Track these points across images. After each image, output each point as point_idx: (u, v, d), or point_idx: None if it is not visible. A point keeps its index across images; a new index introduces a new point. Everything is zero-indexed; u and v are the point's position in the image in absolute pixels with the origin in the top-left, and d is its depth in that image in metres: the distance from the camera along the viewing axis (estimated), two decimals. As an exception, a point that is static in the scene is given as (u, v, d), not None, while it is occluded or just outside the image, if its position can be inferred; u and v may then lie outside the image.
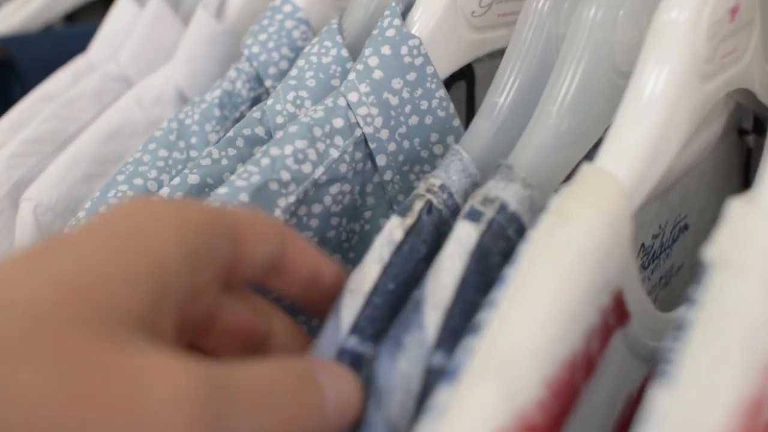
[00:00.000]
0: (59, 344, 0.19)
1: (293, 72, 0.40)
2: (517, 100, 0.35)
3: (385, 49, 0.37)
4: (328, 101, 0.36)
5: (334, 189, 0.35)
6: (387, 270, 0.29)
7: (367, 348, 0.27)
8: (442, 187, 0.31)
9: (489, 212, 0.28)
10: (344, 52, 0.40)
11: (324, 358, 0.27)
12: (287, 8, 0.46)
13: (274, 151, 0.33)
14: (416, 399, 0.25)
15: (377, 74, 0.36)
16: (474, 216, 0.28)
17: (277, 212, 0.32)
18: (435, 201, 0.31)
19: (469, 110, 0.48)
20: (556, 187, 0.32)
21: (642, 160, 0.29)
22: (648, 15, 0.31)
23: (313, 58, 0.40)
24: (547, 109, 0.32)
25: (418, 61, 0.37)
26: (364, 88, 0.36)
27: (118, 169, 0.41)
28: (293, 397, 0.23)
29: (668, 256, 0.42)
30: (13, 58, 0.68)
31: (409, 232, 0.30)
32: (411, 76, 0.37)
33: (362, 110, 0.36)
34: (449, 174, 0.32)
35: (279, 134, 0.35)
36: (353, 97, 0.36)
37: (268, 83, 0.44)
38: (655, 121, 0.29)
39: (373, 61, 0.37)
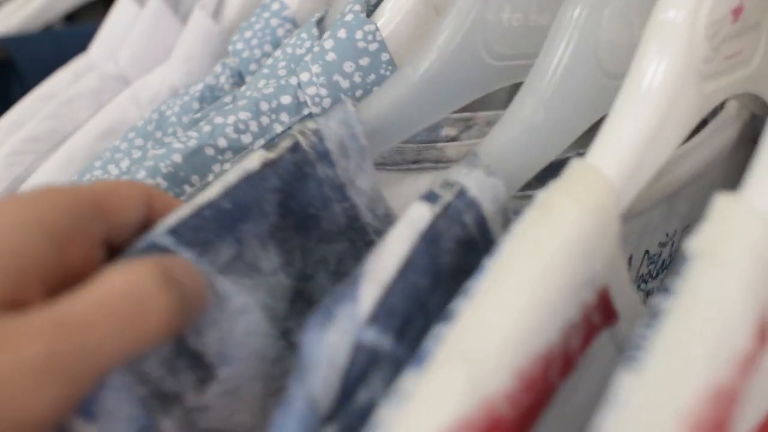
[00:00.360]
0: None
1: (269, 61, 0.41)
2: (429, 75, 0.35)
3: (341, 33, 0.37)
4: (281, 79, 0.37)
5: None
6: (228, 191, 0.28)
7: (182, 252, 0.27)
8: (315, 132, 0.31)
9: (447, 196, 0.28)
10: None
11: (135, 247, 0.27)
12: (275, 6, 0.47)
13: (218, 119, 0.34)
14: (342, 375, 0.24)
15: (330, 56, 0.37)
16: (430, 198, 0.28)
17: (210, 177, 0.33)
18: (303, 142, 0.31)
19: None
20: (526, 179, 0.31)
21: (633, 157, 0.28)
22: (638, 15, 0.30)
23: (288, 49, 0.40)
24: (524, 100, 0.31)
25: (373, 46, 0.37)
26: (316, 68, 0.36)
27: (96, 155, 0.42)
28: (138, 302, 0.24)
29: (680, 257, 0.41)
30: (13, 58, 0.69)
31: (267, 164, 0.29)
32: (364, 61, 0.37)
33: (311, 90, 0.36)
34: (328, 122, 0.32)
35: (228, 106, 0.35)
36: (304, 76, 0.36)
37: (248, 79, 0.45)
38: (649, 119, 0.28)
39: (329, 44, 0.37)
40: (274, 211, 0.30)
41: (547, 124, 0.31)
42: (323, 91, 0.37)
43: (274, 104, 0.36)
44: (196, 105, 0.44)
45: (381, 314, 0.25)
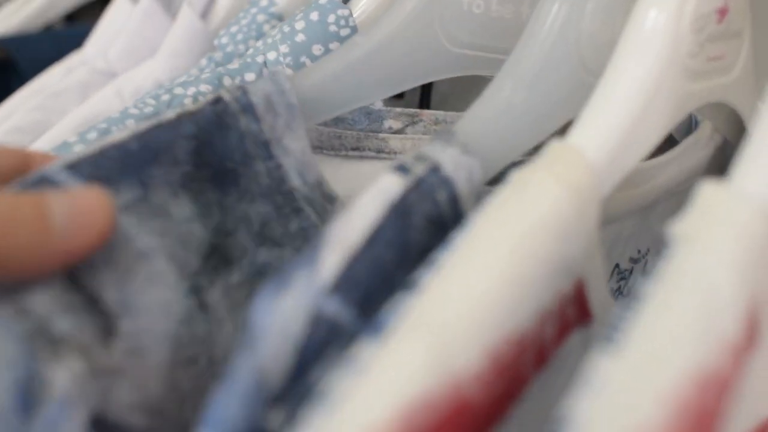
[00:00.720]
0: None
1: (249, 51, 0.39)
2: (377, 48, 0.33)
3: (314, 15, 0.37)
4: (248, 57, 0.36)
5: None
6: (137, 135, 0.27)
7: (71, 181, 0.25)
8: (240, 87, 0.29)
9: (418, 169, 0.25)
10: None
11: (26, 180, 0.25)
12: (263, 2, 0.46)
13: (178, 90, 0.33)
14: (297, 347, 0.21)
15: (300, 37, 0.36)
16: (401, 169, 0.25)
17: None
18: (225, 95, 0.29)
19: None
20: (504, 162, 0.29)
21: (615, 141, 0.26)
22: (620, 13, 0.29)
23: (269, 40, 0.39)
24: (504, 83, 0.30)
25: (345, 32, 0.37)
26: (284, 48, 0.36)
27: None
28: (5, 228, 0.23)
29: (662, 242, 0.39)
30: (14, 58, 0.69)
31: (184, 115, 0.28)
32: (334, 45, 0.36)
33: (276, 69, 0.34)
34: (256, 82, 0.30)
35: (190, 77, 0.33)
36: (272, 55, 0.36)
37: None
38: (633, 103, 0.27)
39: (299, 25, 0.36)
40: (188, 159, 0.28)
41: (527, 107, 0.29)
42: (288, 71, 0.35)
43: (237, 80, 0.35)
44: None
45: (344, 283, 0.22)
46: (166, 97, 0.33)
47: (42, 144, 0.49)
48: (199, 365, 0.27)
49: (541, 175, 0.24)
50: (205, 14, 0.58)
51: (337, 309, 0.22)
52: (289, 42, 0.36)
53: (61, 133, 0.50)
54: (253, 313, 0.21)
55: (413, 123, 0.39)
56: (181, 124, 0.28)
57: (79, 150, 0.29)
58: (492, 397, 0.21)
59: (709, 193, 0.23)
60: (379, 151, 0.39)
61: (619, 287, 0.37)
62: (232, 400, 0.20)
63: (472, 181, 0.27)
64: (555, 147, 0.26)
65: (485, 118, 0.29)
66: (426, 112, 0.39)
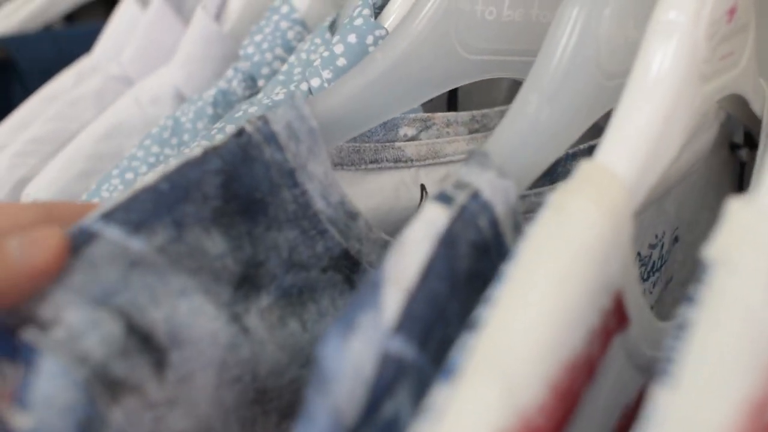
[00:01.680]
0: None
1: (284, 68, 0.40)
2: (396, 63, 0.34)
3: (351, 38, 0.37)
4: (292, 85, 0.36)
5: None
6: (167, 175, 0.28)
7: (108, 230, 0.26)
8: (261, 117, 0.30)
9: (461, 197, 0.27)
10: None
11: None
12: (284, 9, 0.46)
13: (230, 128, 0.32)
14: (368, 386, 0.23)
15: (341, 61, 0.36)
16: (444, 199, 0.27)
17: None
18: (247, 127, 0.30)
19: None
20: (533, 178, 0.30)
21: (643, 156, 0.28)
22: (637, 15, 0.30)
23: (303, 55, 0.39)
24: (529, 97, 0.31)
25: None
26: (326, 74, 0.36)
27: (115, 164, 0.40)
28: None
29: (667, 269, 0.41)
30: (14, 58, 0.69)
31: (209, 152, 0.29)
32: None
33: None
34: (275, 110, 0.31)
35: (239, 113, 0.34)
36: (315, 82, 0.36)
37: (261, 83, 0.45)
38: (657, 116, 0.28)
39: (339, 49, 0.37)
40: (217, 194, 0.28)
41: (552, 122, 0.30)
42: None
43: None
44: (209, 110, 0.43)
45: (406, 322, 0.24)
46: (220, 138, 0.33)
47: (64, 157, 0.50)
48: (243, 382, 0.29)
49: (579, 200, 0.26)
50: (218, 16, 0.57)
51: (401, 347, 0.23)
52: (331, 67, 0.36)
53: (82, 145, 0.50)
54: (321, 357, 0.23)
55: (426, 128, 0.40)
56: (208, 160, 0.28)
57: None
58: (554, 421, 0.23)
59: (737, 213, 0.24)
60: (397, 160, 0.39)
61: (640, 273, 0.38)
62: None
63: (508, 202, 0.28)
64: (587, 168, 0.27)
65: (514, 137, 0.30)
66: (437, 115, 0.40)
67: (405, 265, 0.25)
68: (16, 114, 0.58)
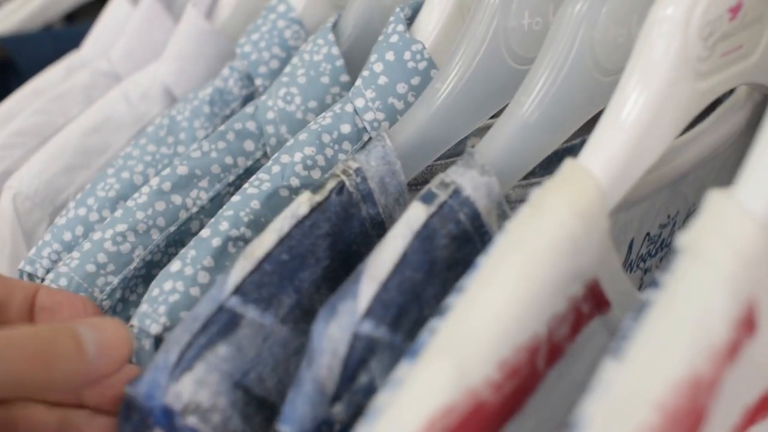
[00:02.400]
0: None
1: (287, 69, 0.42)
2: (458, 88, 0.36)
3: (389, 55, 0.38)
4: (336, 108, 0.37)
5: None
6: (284, 241, 0.31)
7: (248, 310, 0.29)
8: (358, 171, 0.33)
9: (442, 195, 0.30)
10: (335, 50, 0.41)
11: (201, 313, 0.29)
12: (281, 8, 0.47)
13: (284, 158, 0.35)
14: (343, 362, 0.27)
15: (382, 80, 0.38)
16: (427, 198, 0.30)
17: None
18: (348, 183, 0.32)
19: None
20: (521, 175, 0.33)
21: (621, 158, 0.30)
22: (637, 13, 0.31)
23: (306, 56, 0.41)
24: (521, 99, 0.33)
25: (422, 65, 0.38)
26: (369, 93, 0.37)
27: (109, 162, 0.42)
28: (44, 341, 0.28)
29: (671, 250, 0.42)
30: (13, 58, 0.69)
31: (315, 209, 0.32)
32: (415, 81, 0.38)
33: (368, 115, 0.37)
34: (369, 159, 0.33)
35: (290, 142, 0.36)
36: (360, 102, 0.37)
37: (258, 81, 0.46)
38: (639, 120, 0.30)
39: (378, 67, 0.38)
40: (326, 255, 0.32)
41: (541, 123, 0.33)
42: (380, 116, 0.37)
43: (335, 135, 0.37)
44: (206, 109, 0.45)
45: (376, 308, 0.28)
46: (276, 169, 0.35)
47: (50, 149, 0.50)
48: None
49: (554, 200, 0.28)
50: (209, 14, 0.58)
51: (370, 328, 0.28)
52: (373, 86, 0.37)
53: (69, 138, 0.50)
54: (310, 337, 0.28)
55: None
56: (318, 225, 0.32)
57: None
58: (504, 396, 0.26)
59: (714, 205, 0.26)
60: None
61: (648, 251, 0.40)
62: (300, 400, 0.27)
63: (491, 196, 0.31)
64: (567, 168, 0.29)
65: (502, 139, 0.33)
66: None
67: (381, 259, 0.29)
68: (1, 107, 0.58)
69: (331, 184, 0.33)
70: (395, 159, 0.34)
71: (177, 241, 0.39)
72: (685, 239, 0.26)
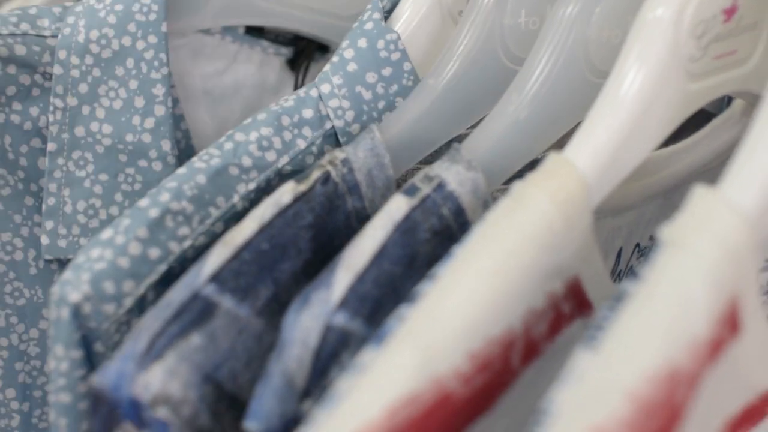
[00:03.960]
0: None
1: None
2: (452, 85, 0.35)
3: (362, 42, 0.37)
4: (301, 91, 0.36)
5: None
6: (265, 229, 0.29)
7: (224, 299, 0.28)
8: (345, 161, 0.32)
9: (425, 189, 0.29)
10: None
11: (174, 300, 0.28)
12: None
13: (239, 136, 0.34)
14: (313, 354, 0.26)
15: (351, 67, 0.36)
16: (410, 191, 0.29)
17: (236, 198, 0.33)
18: (333, 173, 0.31)
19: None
20: (509, 173, 0.32)
21: (608, 154, 0.29)
22: (630, 13, 0.31)
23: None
24: (512, 97, 0.32)
25: (395, 56, 0.37)
26: (337, 80, 0.36)
27: None
28: None
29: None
30: None
31: (299, 198, 0.30)
32: (386, 71, 0.37)
33: (333, 102, 0.36)
34: (356, 150, 0.32)
35: (247, 120, 0.35)
36: (325, 88, 0.36)
37: None
38: (627, 116, 0.29)
39: (349, 54, 0.36)
40: (308, 248, 0.31)
41: (532, 121, 0.32)
42: (345, 104, 0.36)
43: (296, 118, 0.35)
44: None
45: (351, 300, 0.27)
46: (229, 146, 0.34)
47: None
48: None
49: (534, 190, 0.27)
50: None
51: (344, 320, 0.26)
52: (341, 72, 0.36)
53: None
54: (282, 327, 0.27)
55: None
56: (301, 216, 0.31)
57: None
58: (474, 389, 0.25)
59: (699, 199, 0.25)
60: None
61: (639, 262, 0.39)
62: (267, 394, 0.26)
63: (477, 192, 0.30)
64: (551, 161, 0.29)
65: (491, 136, 0.32)
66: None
67: (360, 250, 0.28)
68: None
69: (316, 174, 0.31)
70: (384, 152, 0.33)
71: None
72: (668, 232, 0.25)
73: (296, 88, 0.46)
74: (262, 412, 0.26)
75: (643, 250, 0.39)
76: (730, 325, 0.24)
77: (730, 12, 0.32)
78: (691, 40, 0.30)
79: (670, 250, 0.24)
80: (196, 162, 0.33)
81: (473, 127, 0.36)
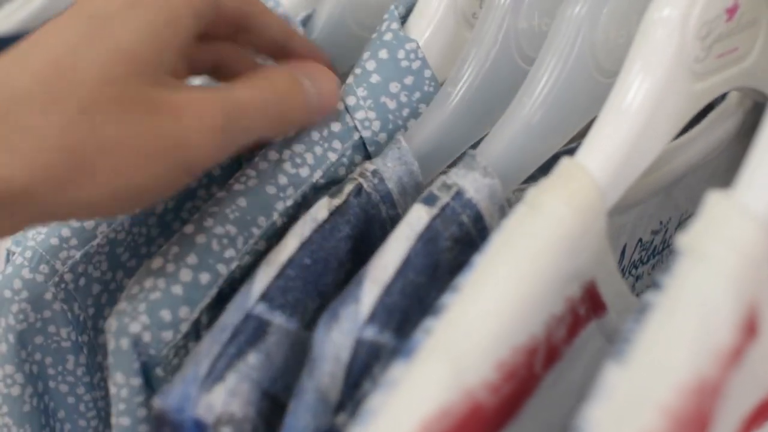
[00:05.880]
0: (126, 91, 0.28)
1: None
2: (471, 91, 0.35)
3: (383, 53, 0.37)
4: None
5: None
6: (305, 245, 0.30)
7: (275, 316, 0.29)
8: (375, 173, 0.32)
9: (444, 197, 0.30)
10: None
11: (228, 323, 0.29)
12: (269, 3, 0.45)
13: (272, 155, 0.34)
14: (346, 369, 0.26)
15: (375, 78, 0.37)
16: (429, 200, 0.30)
17: (275, 215, 0.33)
18: (365, 185, 0.32)
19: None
20: (523, 177, 0.32)
21: (619, 157, 0.29)
22: (637, 13, 0.31)
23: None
24: (523, 101, 0.33)
25: (416, 64, 0.37)
26: (361, 92, 0.36)
27: None
28: (282, 99, 0.32)
29: (671, 252, 0.42)
30: None
31: (334, 212, 0.31)
32: (408, 80, 0.37)
33: (360, 114, 0.36)
34: (385, 161, 0.33)
35: (278, 138, 0.35)
36: (351, 101, 0.36)
37: None
38: (636, 119, 0.29)
39: (371, 65, 0.37)
40: (348, 258, 0.31)
41: (543, 124, 0.32)
42: (371, 114, 0.36)
43: (325, 133, 0.35)
44: None
45: (379, 313, 0.27)
46: (264, 166, 0.34)
47: None
48: None
49: (551, 196, 0.28)
50: None
51: (374, 334, 0.27)
52: (365, 84, 0.37)
53: None
54: (312, 344, 0.27)
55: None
56: (338, 228, 0.31)
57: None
58: (502, 398, 0.25)
59: (714, 206, 0.25)
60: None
61: (640, 257, 0.40)
62: (302, 411, 0.26)
63: (494, 198, 0.30)
64: (564, 166, 0.29)
65: (505, 140, 0.32)
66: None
67: (385, 262, 0.28)
68: None
69: (348, 188, 0.32)
70: (412, 159, 0.33)
71: (141, 221, 0.39)
72: (685, 240, 0.25)
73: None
74: (297, 427, 0.26)
75: (645, 244, 0.40)
76: (749, 330, 0.25)
77: (732, 11, 0.32)
78: (696, 41, 0.31)
79: (689, 259, 0.24)
80: (235, 185, 0.34)
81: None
